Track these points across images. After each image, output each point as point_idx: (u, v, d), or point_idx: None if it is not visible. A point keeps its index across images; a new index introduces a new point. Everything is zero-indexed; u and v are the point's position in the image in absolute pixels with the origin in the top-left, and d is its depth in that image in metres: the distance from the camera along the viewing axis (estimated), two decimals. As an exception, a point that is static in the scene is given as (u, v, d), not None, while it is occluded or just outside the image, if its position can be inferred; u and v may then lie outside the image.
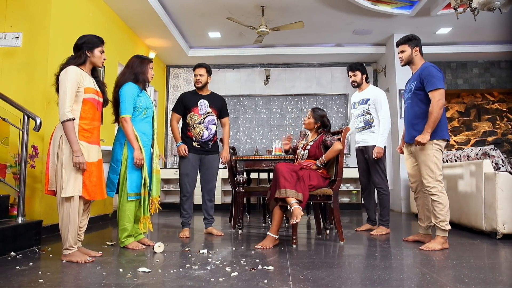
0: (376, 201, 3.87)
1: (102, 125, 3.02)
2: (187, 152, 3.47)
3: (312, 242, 3.27)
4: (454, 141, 7.44)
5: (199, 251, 2.71)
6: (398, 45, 3.14)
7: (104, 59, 2.66)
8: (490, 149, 3.47)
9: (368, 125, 3.79)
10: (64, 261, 2.38)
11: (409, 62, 3.09)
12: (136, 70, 2.92)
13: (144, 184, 2.85)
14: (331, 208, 3.17)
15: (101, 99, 2.64)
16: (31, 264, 2.32)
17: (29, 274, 2.07)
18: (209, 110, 3.57)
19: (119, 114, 2.87)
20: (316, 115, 3.40)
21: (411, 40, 3.06)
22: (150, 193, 2.90)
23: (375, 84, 6.96)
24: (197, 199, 3.80)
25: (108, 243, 3.05)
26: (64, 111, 2.34)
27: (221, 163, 3.67)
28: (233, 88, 7.20)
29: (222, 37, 6.18)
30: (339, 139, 3.26)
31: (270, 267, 2.20)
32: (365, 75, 3.92)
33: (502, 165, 3.37)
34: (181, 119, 3.65)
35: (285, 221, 4.23)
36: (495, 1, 3.27)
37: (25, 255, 2.57)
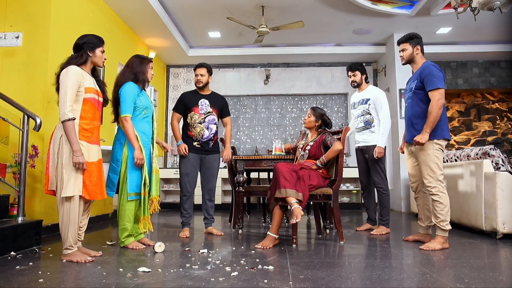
0: (376, 201, 3.87)
1: (102, 124, 3.02)
2: (187, 152, 3.47)
3: (312, 241, 3.27)
4: (454, 140, 7.44)
5: (199, 251, 2.71)
6: (399, 43, 3.12)
7: (105, 59, 2.67)
8: (490, 149, 3.47)
9: (368, 125, 3.79)
10: (64, 260, 2.38)
11: (410, 61, 3.08)
12: (136, 70, 2.92)
13: (144, 184, 2.85)
14: (331, 208, 3.17)
15: (101, 99, 2.64)
16: (31, 264, 2.32)
17: (29, 274, 2.07)
18: (210, 109, 3.57)
19: (119, 114, 2.87)
20: (316, 114, 3.40)
21: (413, 39, 3.04)
22: (150, 192, 2.90)
23: (375, 83, 6.96)
24: (197, 199, 3.81)
25: (108, 242, 3.05)
26: (65, 111, 2.34)
27: (222, 162, 3.67)
28: (233, 87, 7.20)
29: (222, 36, 6.18)
30: (339, 139, 3.26)
31: (270, 267, 2.20)
32: (364, 75, 3.92)
33: (502, 165, 3.37)
34: (182, 119, 3.65)
35: (285, 220, 4.23)
36: (495, 1, 3.27)
37: (25, 255, 2.57)
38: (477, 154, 3.60)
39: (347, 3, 5.00)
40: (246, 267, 2.21)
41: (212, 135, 3.57)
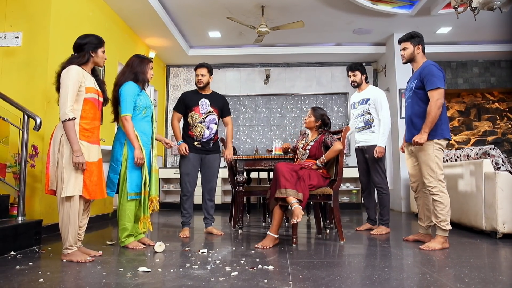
0: (376, 201, 3.87)
1: (102, 124, 3.02)
2: (187, 151, 3.47)
3: (312, 241, 3.27)
4: (454, 140, 7.44)
5: (199, 251, 2.71)
6: (400, 42, 3.11)
7: (105, 59, 2.67)
8: (490, 149, 3.46)
9: (368, 125, 3.79)
10: (64, 260, 2.38)
11: (410, 60, 3.07)
12: (136, 70, 2.92)
13: (145, 183, 2.85)
14: (331, 208, 3.17)
15: (101, 99, 2.64)
16: (31, 263, 2.32)
17: (29, 274, 2.07)
18: (210, 109, 3.57)
19: (119, 113, 2.87)
20: (316, 114, 3.40)
21: (414, 38, 3.03)
22: (149, 192, 2.90)
23: (375, 83, 6.96)
24: (198, 199, 3.81)
25: (108, 242, 3.05)
26: (65, 111, 2.34)
27: (224, 161, 3.66)
28: (233, 87, 7.19)
29: (222, 36, 6.18)
30: (339, 139, 3.26)
31: (270, 267, 2.20)
32: (364, 75, 3.92)
33: (502, 165, 3.37)
34: (183, 119, 3.65)
35: (285, 220, 4.23)
36: (495, 1, 3.26)
37: (25, 255, 2.57)
38: (477, 154, 3.60)
39: (347, 3, 5.00)
40: (246, 267, 2.21)
41: (212, 135, 3.57)
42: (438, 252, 2.69)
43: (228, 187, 6.41)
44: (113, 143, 2.91)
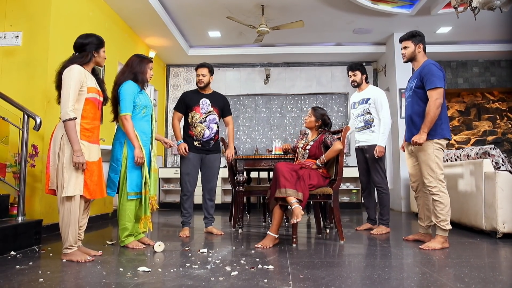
0: (376, 200, 3.87)
1: (102, 124, 3.02)
2: (187, 151, 3.47)
3: (312, 241, 3.27)
4: (454, 140, 7.44)
5: (199, 250, 2.71)
6: (401, 40, 3.10)
7: (105, 58, 2.67)
8: (490, 149, 3.46)
9: (368, 124, 3.79)
10: (64, 260, 2.38)
11: (411, 59, 3.06)
12: (135, 70, 2.91)
13: (145, 183, 2.85)
14: (331, 207, 3.17)
15: (101, 98, 2.64)
16: (31, 263, 2.32)
17: (29, 273, 2.07)
18: (211, 109, 3.57)
19: (119, 113, 2.87)
20: (317, 114, 3.40)
21: (415, 37, 3.02)
22: (149, 192, 2.90)
23: (375, 83, 6.96)
24: (198, 198, 3.81)
25: (108, 242, 3.05)
26: (67, 110, 2.34)
27: (227, 160, 3.66)
28: (233, 87, 7.19)
29: (222, 36, 6.18)
30: (339, 139, 3.25)
31: (270, 266, 2.20)
32: (365, 75, 3.92)
33: (502, 165, 3.37)
34: (183, 118, 3.65)
35: (285, 220, 4.23)
36: (495, 0, 3.26)
37: (25, 254, 2.57)
38: (477, 153, 3.60)
39: (347, 2, 5.00)
40: (246, 267, 2.21)
41: (213, 135, 3.57)
42: (438, 251, 2.69)
43: (228, 186, 6.41)
44: (113, 143, 2.91)
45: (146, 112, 2.95)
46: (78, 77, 2.40)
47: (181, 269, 2.17)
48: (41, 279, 1.95)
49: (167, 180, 6.73)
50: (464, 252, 2.69)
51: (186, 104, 3.57)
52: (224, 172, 6.07)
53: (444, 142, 2.87)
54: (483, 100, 7.53)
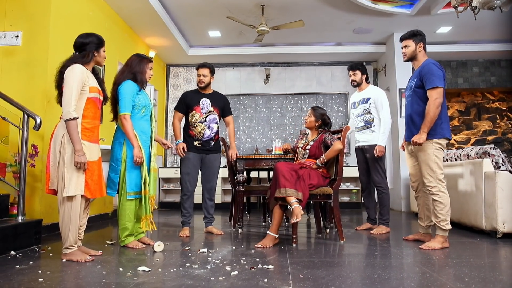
0: (376, 200, 3.87)
1: (102, 124, 3.01)
2: (185, 151, 3.47)
3: (312, 241, 3.27)
4: (454, 140, 7.44)
5: (199, 250, 2.71)
6: (402, 39, 3.09)
7: (105, 58, 2.67)
8: (490, 148, 3.46)
9: (368, 124, 3.78)
10: (64, 260, 2.38)
11: (412, 58, 3.05)
12: (134, 70, 2.91)
13: (145, 183, 2.85)
14: (331, 207, 3.17)
15: (101, 98, 2.64)
16: (31, 263, 2.32)
17: (29, 273, 2.07)
18: (211, 109, 3.57)
19: (118, 112, 2.87)
20: (316, 114, 3.40)
21: (416, 36, 3.01)
22: (148, 191, 2.90)
23: (375, 83, 6.95)
24: (198, 198, 3.81)
25: (108, 242, 3.05)
26: (69, 110, 2.33)
27: (230, 160, 3.66)
28: (233, 87, 7.19)
29: (222, 36, 6.18)
30: (339, 138, 3.25)
31: (270, 266, 2.20)
32: (365, 75, 3.91)
33: (502, 164, 3.37)
34: (184, 118, 3.65)
35: (285, 220, 4.23)
36: (495, 0, 3.26)
37: (25, 254, 2.57)
38: (477, 153, 3.60)
39: (347, 2, 5.00)
40: (246, 267, 2.21)
41: (213, 135, 3.57)
42: (438, 251, 2.69)
43: (228, 186, 6.41)
44: (112, 143, 2.91)
45: (146, 111, 2.94)
46: (80, 76, 2.40)
47: (181, 269, 2.17)
48: (41, 279, 1.95)
49: (167, 180, 6.73)
50: (464, 252, 2.69)
51: (187, 104, 3.58)
52: (224, 172, 6.07)
53: (444, 142, 2.87)
54: (483, 100, 7.53)
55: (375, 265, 2.30)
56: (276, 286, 1.84)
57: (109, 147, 3.24)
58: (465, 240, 3.18)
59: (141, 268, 2.14)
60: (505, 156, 3.45)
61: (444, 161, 4.19)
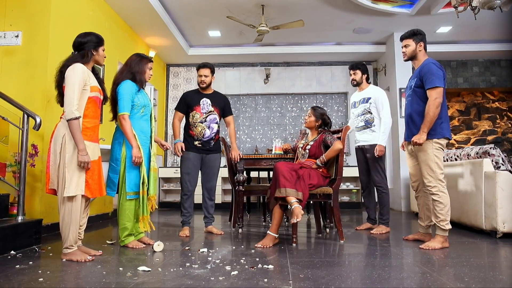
0: (376, 200, 3.87)
1: (102, 123, 3.01)
2: (183, 151, 3.46)
3: (312, 241, 3.27)
4: (454, 140, 7.44)
5: (199, 250, 2.71)
6: (402, 39, 3.08)
7: (105, 57, 2.67)
8: (490, 148, 3.46)
9: (368, 124, 3.78)
10: (64, 260, 2.38)
11: (412, 58, 3.04)
12: (134, 69, 2.90)
13: (143, 183, 2.84)
14: (331, 207, 3.17)
15: (101, 97, 2.64)
16: (31, 263, 2.32)
17: (29, 273, 2.07)
18: (211, 109, 3.57)
19: (117, 112, 2.86)
20: (316, 113, 3.40)
21: (416, 35, 3.01)
22: (147, 192, 2.90)
23: (375, 83, 6.96)
24: (198, 198, 3.81)
25: (108, 242, 3.05)
26: (72, 109, 2.33)
27: (233, 161, 3.65)
28: (233, 87, 7.19)
29: (222, 35, 6.17)
30: (339, 138, 3.25)
31: (270, 266, 2.20)
32: (366, 75, 3.91)
33: (502, 164, 3.37)
34: (184, 118, 3.65)
35: (285, 220, 4.23)
36: (495, 0, 3.26)
37: (25, 254, 2.57)
38: (477, 153, 3.60)
39: (347, 2, 4.99)
40: (246, 266, 2.21)
41: (213, 135, 3.57)
42: (438, 251, 2.69)
43: (228, 186, 6.41)
44: (112, 143, 2.91)
45: (145, 111, 2.94)
46: (82, 75, 2.40)
47: (181, 268, 2.17)
48: (41, 279, 1.95)
49: (167, 180, 6.73)
50: (464, 252, 2.69)
51: (187, 104, 3.58)
52: (224, 172, 6.07)
53: (444, 141, 2.86)
54: (483, 99, 7.53)
55: (375, 265, 2.30)
56: (276, 286, 1.84)
57: (109, 147, 3.24)
58: (465, 240, 3.18)
59: (141, 268, 2.14)
60: (505, 156, 3.45)
61: (444, 161, 4.19)
